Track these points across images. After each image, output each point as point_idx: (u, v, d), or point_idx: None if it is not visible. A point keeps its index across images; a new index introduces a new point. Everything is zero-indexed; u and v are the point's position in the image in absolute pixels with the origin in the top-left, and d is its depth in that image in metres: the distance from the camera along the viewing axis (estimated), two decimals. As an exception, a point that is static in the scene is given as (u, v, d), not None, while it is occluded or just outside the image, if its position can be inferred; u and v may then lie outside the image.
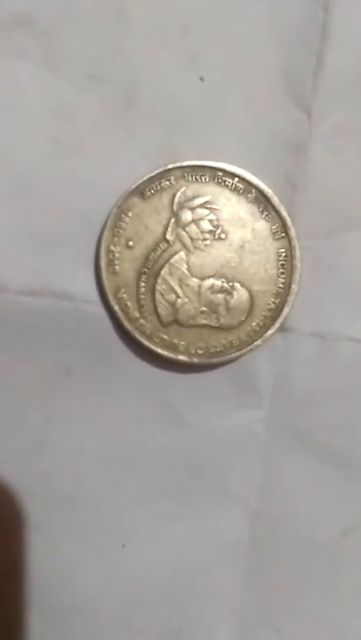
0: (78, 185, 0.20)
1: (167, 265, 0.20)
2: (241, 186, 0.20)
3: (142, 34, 0.20)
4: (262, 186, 0.20)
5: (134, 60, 0.20)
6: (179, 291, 0.20)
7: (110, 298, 0.20)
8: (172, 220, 0.20)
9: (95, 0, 0.20)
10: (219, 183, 0.20)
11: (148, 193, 0.20)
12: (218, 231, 0.20)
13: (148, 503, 0.21)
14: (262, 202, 0.20)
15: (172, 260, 0.20)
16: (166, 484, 0.21)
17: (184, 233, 0.20)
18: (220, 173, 0.20)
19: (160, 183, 0.20)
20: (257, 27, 0.20)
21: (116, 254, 0.20)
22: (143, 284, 0.20)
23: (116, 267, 0.20)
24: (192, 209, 0.20)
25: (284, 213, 0.20)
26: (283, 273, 0.20)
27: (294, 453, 0.21)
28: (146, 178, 0.20)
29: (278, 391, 0.21)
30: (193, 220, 0.20)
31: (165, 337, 0.20)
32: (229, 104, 0.20)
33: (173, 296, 0.20)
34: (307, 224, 0.20)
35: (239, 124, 0.20)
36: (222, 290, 0.20)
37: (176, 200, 0.20)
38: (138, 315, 0.20)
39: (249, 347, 0.20)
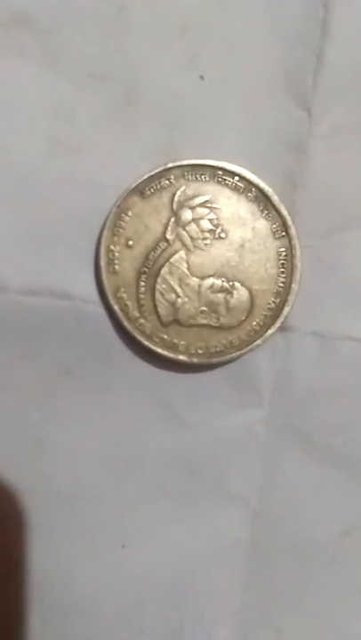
0: (78, 184, 0.20)
1: (167, 264, 0.20)
2: (241, 185, 0.20)
3: (142, 32, 0.20)
4: (262, 185, 0.20)
5: (134, 59, 0.20)
6: (179, 290, 0.20)
7: (110, 297, 0.20)
8: (172, 220, 0.20)
9: (95, -2, 0.20)
10: (219, 182, 0.20)
11: (148, 192, 0.20)
12: (218, 230, 0.20)
13: (148, 503, 0.21)
14: (262, 201, 0.20)
15: (172, 260, 0.20)
16: (166, 484, 0.21)
17: (184, 232, 0.20)
18: (220, 172, 0.20)
19: (160, 182, 0.20)
20: (257, 25, 0.20)
21: (116, 254, 0.20)
22: (143, 283, 0.20)
23: (116, 266, 0.20)
24: (192, 208, 0.20)
25: (285, 212, 0.20)
26: (283, 272, 0.20)
27: (294, 453, 0.21)
28: (146, 177, 0.20)
29: (278, 391, 0.21)
30: (193, 220, 0.20)
31: (165, 337, 0.20)
32: (229, 103, 0.20)
33: (173, 295, 0.20)
34: (307, 223, 0.20)
35: (239, 123, 0.20)
36: (222, 289, 0.20)
37: (176, 199, 0.20)
38: (138, 314, 0.20)
39: (249, 346, 0.20)
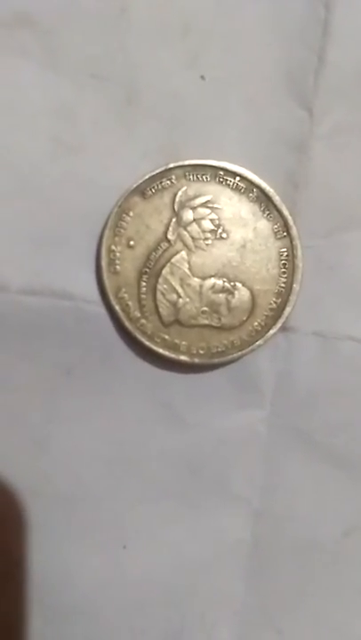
0: (79, 184, 0.20)
1: (168, 264, 0.20)
2: (242, 185, 0.20)
3: (144, 33, 0.20)
4: (264, 185, 0.20)
5: (136, 59, 0.20)
6: (180, 290, 0.20)
7: (111, 298, 0.20)
8: (174, 220, 0.20)
9: (96, -1, 0.20)
10: (220, 182, 0.20)
11: (150, 192, 0.20)
12: (219, 230, 0.20)
13: (149, 503, 0.21)
14: (264, 201, 0.20)
15: (173, 260, 0.20)
16: (167, 485, 0.21)
17: (185, 232, 0.20)
18: (221, 172, 0.20)
19: (161, 182, 0.20)
20: (258, 25, 0.20)
21: (117, 254, 0.20)
22: (144, 283, 0.20)
23: (117, 266, 0.20)
24: (193, 208, 0.20)
25: (286, 212, 0.20)
26: (284, 272, 0.20)
27: (296, 453, 0.21)
28: (147, 177, 0.20)
29: (280, 391, 0.21)
30: (194, 220, 0.20)
31: (167, 337, 0.20)
32: (231, 103, 0.20)
33: (175, 296, 0.20)
34: (308, 223, 0.20)
35: (240, 123, 0.20)
36: (224, 289, 0.20)
37: (177, 199, 0.20)
38: (139, 315, 0.20)
39: (250, 347, 0.20)
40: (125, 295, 0.20)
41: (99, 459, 0.21)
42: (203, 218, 0.20)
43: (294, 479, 0.21)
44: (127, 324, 0.20)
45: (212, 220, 0.20)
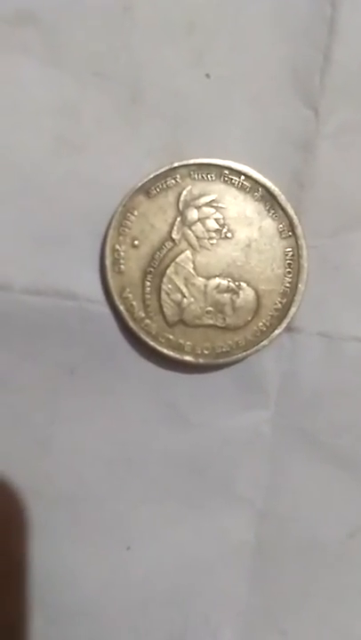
0: (83, 183, 0.20)
1: (173, 264, 0.20)
2: (247, 184, 0.20)
3: (148, 30, 0.20)
4: (269, 184, 0.20)
5: (140, 57, 0.20)
6: (185, 290, 0.20)
7: (115, 297, 0.20)
8: (178, 219, 0.20)
9: (100, -4, 0.20)
10: (225, 181, 0.20)
11: (154, 191, 0.20)
12: (224, 230, 0.20)
13: (152, 504, 0.21)
14: (269, 200, 0.20)
15: (177, 260, 0.20)
16: (171, 485, 0.21)
17: (190, 232, 0.20)
18: (226, 171, 0.20)
19: (166, 181, 0.20)
20: (263, 23, 0.20)
21: (122, 253, 0.20)
22: (149, 283, 0.20)
23: (122, 266, 0.20)
24: (198, 207, 0.20)
25: (291, 212, 0.20)
26: (289, 272, 0.20)
27: (300, 454, 0.21)
28: (151, 176, 0.20)
29: (285, 391, 0.21)
30: (199, 219, 0.20)
31: (171, 337, 0.20)
32: (236, 101, 0.20)
33: (179, 296, 0.20)
34: (314, 223, 0.20)
35: (245, 122, 0.20)
36: (228, 289, 0.20)
37: (182, 198, 0.20)
38: (143, 314, 0.20)
39: (255, 347, 0.20)
40: (130, 295, 0.20)
41: (102, 459, 0.21)
42: (207, 217, 0.20)
43: (298, 480, 0.21)
44: (131, 323, 0.20)
45: (216, 220, 0.20)
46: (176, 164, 0.20)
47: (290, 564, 0.21)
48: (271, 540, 0.21)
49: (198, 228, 0.20)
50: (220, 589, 0.21)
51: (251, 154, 0.20)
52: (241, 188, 0.20)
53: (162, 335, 0.20)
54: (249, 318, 0.20)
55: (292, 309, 0.20)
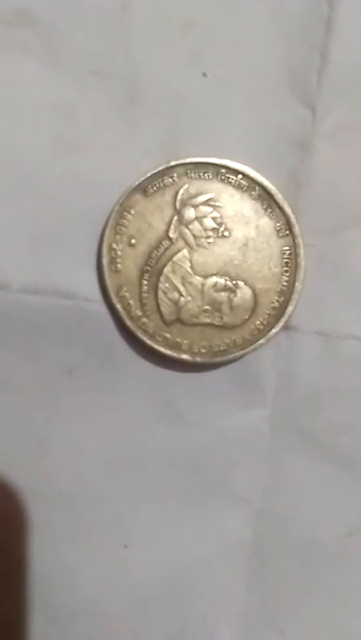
0: (80, 182, 0.20)
1: (170, 263, 0.20)
2: (245, 183, 0.20)
3: (145, 30, 0.20)
4: (266, 183, 0.20)
5: (137, 56, 0.20)
6: (182, 289, 0.20)
7: (112, 296, 0.20)
8: (175, 218, 0.20)
9: (98, -4, 0.20)
10: (222, 180, 0.20)
11: (151, 190, 0.20)
12: (221, 229, 0.20)
13: (151, 503, 0.21)
14: (266, 199, 0.20)
15: (174, 258, 0.20)
16: (169, 484, 0.21)
17: (187, 230, 0.20)
18: (223, 170, 0.20)
19: (163, 180, 0.20)
20: (260, 22, 0.20)
21: (119, 252, 0.20)
22: (146, 282, 0.20)
23: (119, 265, 0.20)
24: (195, 206, 0.20)
25: (288, 211, 0.20)
26: (287, 271, 0.20)
27: (298, 453, 0.21)
28: (148, 175, 0.20)
29: (282, 390, 0.21)
30: (196, 218, 0.20)
31: (168, 336, 0.20)
32: (233, 100, 0.20)
33: (176, 294, 0.20)
34: (311, 221, 0.20)
35: (243, 121, 0.20)
36: (226, 288, 0.20)
37: (179, 197, 0.20)
38: (140, 313, 0.20)
39: (252, 345, 0.20)
40: (127, 294, 0.20)
41: (101, 458, 0.21)
42: (204, 216, 0.20)
43: (296, 479, 0.21)
44: (129, 322, 0.20)
45: (213, 219, 0.20)
46: (173, 163, 0.20)
47: (288, 564, 0.21)
48: (269, 540, 0.21)
49: (195, 226, 0.20)
50: (219, 589, 0.21)
51: (248, 153, 0.20)
52: (238, 186, 0.20)
53: (159, 334, 0.20)
54: (246, 317, 0.20)
55: (290, 308, 0.20)
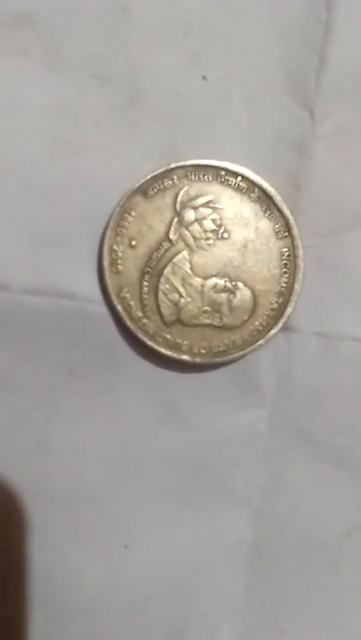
0: (81, 184, 0.20)
1: (170, 264, 0.20)
2: (244, 185, 0.20)
3: (145, 32, 0.20)
4: (265, 185, 0.20)
5: (137, 59, 0.20)
6: (182, 290, 0.20)
7: (113, 297, 0.20)
8: (175, 220, 0.20)
9: (98, -1, 0.20)
10: (222, 182, 0.20)
11: (151, 192, 0.20)
12: (221, 230, 0.20)
13: (150, 503, 0.21)
14: (265, 201, 0.20)
15: (175, 260, 0.20)
16: (169, 484, 0.21)
17: (187, 232, 0.20)
18: (222, 172, 0.20)
19: (163, 182, 0.20)
20: (259, 25, 0.20)
21: (119, 254, 0.20)
22: (146, 283, 0.20)
23: (119, 266, 0.20)
24: (195, 208, 0.20)
25: (287, 212, 0.20)
26: (286, 272, 0.20)
27: (297, 453, 0.21)
28: (149, 177, 0.20)
29: (281, 391, 0.21)
30: (196, 220, 0.20)
31: (168, 336, 0.20)
32: (232, 103, 0.20)
33: (176, 295, 0.20)
34: (310, 223, 0.20)
35: (242, 123, 0.20)
36: (225, 289, 0.20)
37: (179, 199, 0.20)
38: (141, 314, 0.20)
39: (252, 346, 0.20)
40: (127, 295, 0.20)
41: (100, 458, 0.21)
42: (204, 218, 0.20)
43: (295, 479, 0.21)
44: (129, 323, 0.20)
45: (213, 220, 0.20)
46: (173, 165, 0.20)
47: (287, 563, 0.21)
48: (269, 539, 0.21)
49: (195, 228, 0.20)
50: (218, 588, 0.21)
51: (247, 155, 0.20)
52: (237, 188, 0.20)
53: (159, 335, 0.20)
54: (246, 318, 0.20)
55: (289, 309, 0.20)
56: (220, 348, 0.20)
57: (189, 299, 0.20)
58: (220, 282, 0.20)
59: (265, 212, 0.20)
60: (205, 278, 0.20)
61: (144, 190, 0.20)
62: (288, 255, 0.20)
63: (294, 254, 0.20)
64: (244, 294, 0.20)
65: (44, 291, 0.20)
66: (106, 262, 0.20)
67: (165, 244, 0.20)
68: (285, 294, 0.20)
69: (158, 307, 0.20)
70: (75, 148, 0.20)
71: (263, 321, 0.20)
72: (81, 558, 0.21)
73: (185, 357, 0.20)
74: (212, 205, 0.20)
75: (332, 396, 0.21)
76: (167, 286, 0.20)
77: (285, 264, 0.20)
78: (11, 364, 0.20)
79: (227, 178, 0.20)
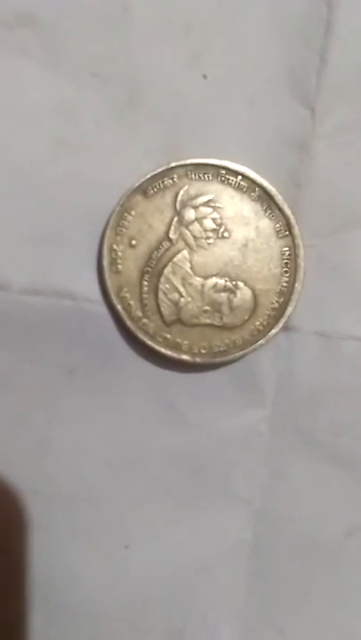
0: (81, 183, 0.20)
1: (170, 264, 0.20)
2: (244, 184, 0.20)
3: (146, 32, 0.20)
4: (266, 184, 0.20)
5: (138, 59, 0.20)
6: (182, 290, 0.20)
7: (113, 297, 0.20)
8: (176, 219, 0.20)
9: (98, -2, 0.20)
10: (222, 181, 0.20)
11: (152, 191, 0.20)
12: (221, 230, 0.20)
13: (151, 503, 0.21)
14: (266, 200, 0.20)
15: (175, 259, 0.20)
16: (170, 484, 0.21)
17: (187, 231, 0.20)
18: (223, 171, 0.20)
19: (163, 181, 0.20)
20: (260, 24, 0.20)
21: (119, 253, 0.20)
22: (146, 283, 0.20)
23: (119, 266, 0.20)
24: (195, 207, 0.20)
25: (288, 211, 0.20)
26: (286, 272, 0.20)
27: (298, 453, 0.21)
28: (149, 176, 0.20)
29: (282, 390, 0.21)
30: (196, 219, 0.20)
31: (168, 336, 0.20)
32: (233, 102, 0.20)
33: (176, 295, 0.20)
34: (311, 222, 0.20)
35: (242, 122, 0.20)
36: (226, 289, 0.20)
37: (179, 198, 0.20)
38: (141, 314, 0.20)
39: (252, 346, 0.20)
40: (127, 294, 0.20)
41: (101, 459, 0.21)
42: (205, 217, 0.20)
43: (296, 479, 0.21)
44: (129, 323, 0.20)
45: (213, 219, 0.20)
46: (173, 164, 0.20)
47: (288, 563, 0.21)
48: (269, 539, 0.21)
49: (195, 227, 0.20)
50: (219, 588, 0.21)
51: (248, 154, 0.20)
52: (238, 187, 0.20)
53: (159, 334, 0.20)
54: (246, 317, 0.20)
55: (289, 309, 0.20)
56: (221, 348, 0.20)
57: (189, 298, 0.20)
58: (221, 281, 0.20)
59: (265, 211, 0.20)
60: (206, 278, 0.20)
61: (144, 189, 0.20)
62: (289, 254, 0.20)
63: (295, 253, 0.20)
64: (244, 294, 0.20)
65: (44, 291, 0.20)
66: (106, 262, 0.20)
67: (165, 244, 0.20)
68: (286, 294, 0.20)
69: (158, 306, 0.20)
70: (75, 147, 0.20)
71: (264, 320, 0.20)
72: (81, 558, 0.21)
73: (185, 357, 0.20)
74: (212, 204, 0.20)
75: (333, 396, 0.21)
76: (167, 286, 0.20)
77: (286, 263, 0.20)
78: (11, 364, 0.20)
79: (227, 177, 0.20)
